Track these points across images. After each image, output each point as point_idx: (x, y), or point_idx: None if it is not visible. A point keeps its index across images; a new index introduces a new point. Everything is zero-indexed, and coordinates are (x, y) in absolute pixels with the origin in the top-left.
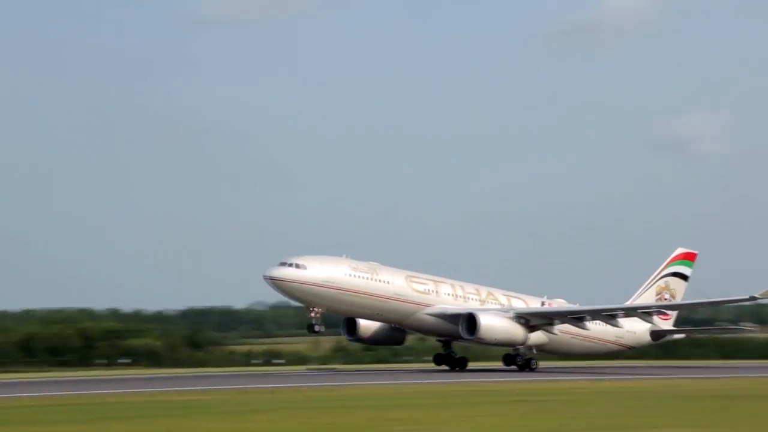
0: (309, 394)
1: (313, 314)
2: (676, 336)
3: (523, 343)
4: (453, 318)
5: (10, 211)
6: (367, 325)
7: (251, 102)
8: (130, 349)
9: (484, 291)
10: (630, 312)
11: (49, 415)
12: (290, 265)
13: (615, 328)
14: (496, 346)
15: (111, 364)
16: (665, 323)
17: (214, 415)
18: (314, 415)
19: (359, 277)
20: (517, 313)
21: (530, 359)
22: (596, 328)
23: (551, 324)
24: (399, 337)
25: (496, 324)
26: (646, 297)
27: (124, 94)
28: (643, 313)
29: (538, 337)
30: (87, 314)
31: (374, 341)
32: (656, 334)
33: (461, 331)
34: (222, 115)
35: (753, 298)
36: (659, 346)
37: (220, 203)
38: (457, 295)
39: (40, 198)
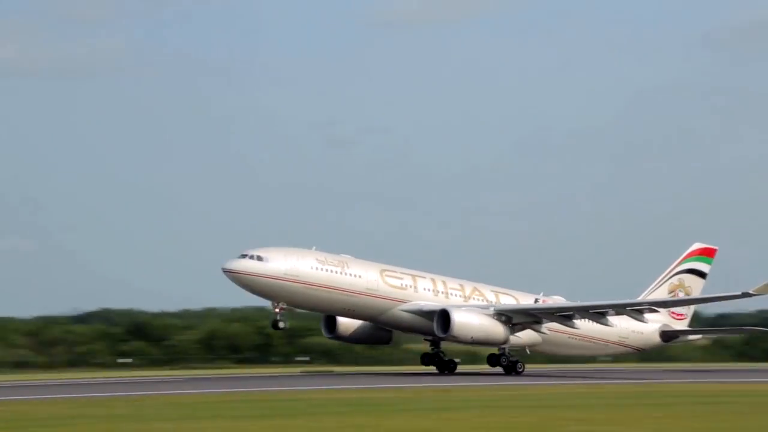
0: (487, 392)
1: (277, 310)
2: (691, 337)
3: (504, 343)
4: (429, 315)
5: (186, 213)
6: (347, 323)
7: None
8: (308, 347)
9: (469, 287)
10: (620, 310)
11: (231, 411)
12: (251, 257)
13: (618, 328)
14: (474, 345)
15: (288, 361)
16: (679, 323)
17: (411, 412)
18: (503, 414)
19: (326, 270)
20: (497, 310)
21: (516, 361)
22: (595, 328)
23: (538, 322)
24: (383, 336)
25: (471, 321)
26: (656, 295)
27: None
28: (634, 311)
29: (529, 336)
30: (266, 313)
31: (356, 340)
32: (666, 335)
33: (435, 328)
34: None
35: (746, 295)
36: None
37: None
38: (437, 291)
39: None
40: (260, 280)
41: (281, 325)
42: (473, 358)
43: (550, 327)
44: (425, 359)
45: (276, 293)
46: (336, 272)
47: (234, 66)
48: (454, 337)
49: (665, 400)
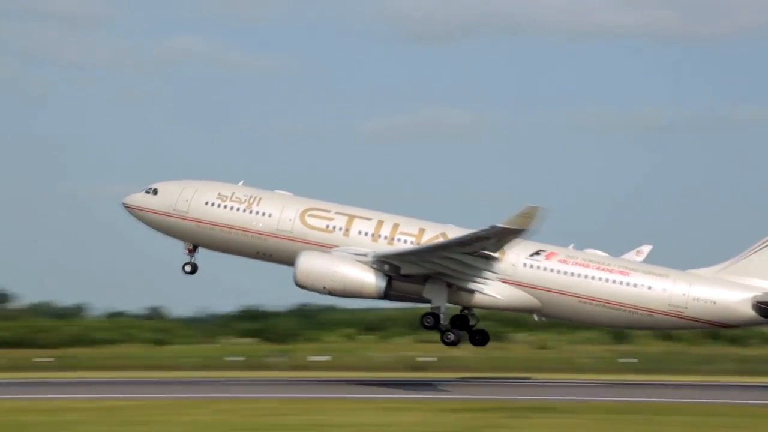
0: None
1: (186, 251)
2: None
3: (376, 296)
4: None
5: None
6: None
7: None
8: None
9: (434, 231)
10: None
11: None
12: (147, 190)
13: (666, 293)
14: (337, 296)
15: None
16: None
17: None
18: None
19: (226, 207)
20: (377, 256)
21: (445, 330)
22: (620, 291)
23: (444, 275)
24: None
25: (321, 268)
26: (758, 255)
27: None
28: (477, 257)
29: (509, 295)
30: None
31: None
32: (764, 308)
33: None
34: None
35: (494, 228)
36: None
37: None
38: (379, 236)
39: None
40: (150, 216)
41: (187, 268)
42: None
43: (549, 290)
44: (454, 322)
45: (170, 231)
46: (238, 209)
47: None
48: (301, 286)
49: None
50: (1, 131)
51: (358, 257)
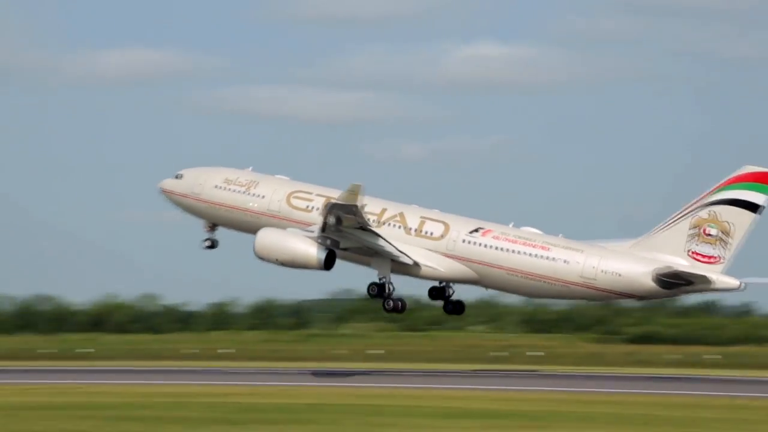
0: None
1: (205, 229)
2: (723, 285)
3: (318, 266)
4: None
5: None
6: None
7: None
8: None
9: (393, 211)
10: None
11: None
12: (176, 176)
13: (579, 266)
14: (287, 267)
15: None
16: (712, 268)
17: None
18: None
19: (229, 189)
20: (318, 234)
21: (387, 297)
22: (541, 265)
23: (374, 250)
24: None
25: (273, 242)
26: (674, 231)
27: None
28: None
29: (448, 267)
30: None
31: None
32: (666, 282)
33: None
34: None
35: (333, 205)
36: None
37: None
38: None
39: None
40: (175, 198)
41: (206, 244)
42: None
43: (488, 264)
44: (432, 293)
45: (190, 211)
46: (238, 191)
47: None
48: (259, 257)
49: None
50: None
51: (308, 234)
